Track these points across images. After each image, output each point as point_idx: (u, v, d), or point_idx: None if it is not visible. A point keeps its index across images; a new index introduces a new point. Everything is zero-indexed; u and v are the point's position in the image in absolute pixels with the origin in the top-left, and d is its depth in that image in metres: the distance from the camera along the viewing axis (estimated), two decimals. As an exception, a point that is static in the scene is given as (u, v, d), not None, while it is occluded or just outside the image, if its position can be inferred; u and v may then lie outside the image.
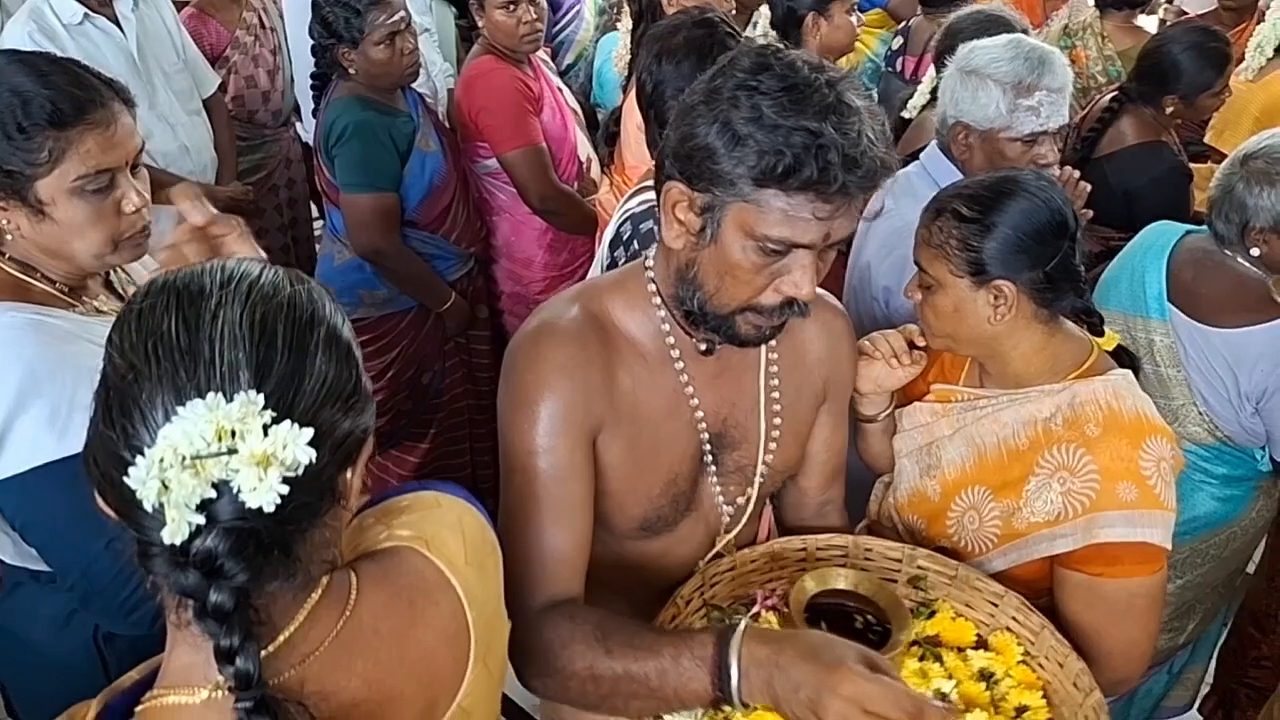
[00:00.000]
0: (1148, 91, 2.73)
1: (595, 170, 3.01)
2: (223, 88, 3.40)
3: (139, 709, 0.83)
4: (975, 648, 1.37)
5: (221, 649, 0.76)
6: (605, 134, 2.75)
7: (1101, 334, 1.51)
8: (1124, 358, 1.52)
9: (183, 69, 3.07)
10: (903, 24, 3.58)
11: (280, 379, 0.78)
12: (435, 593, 0.96)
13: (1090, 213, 2.01)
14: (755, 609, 1.41)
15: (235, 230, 1.20)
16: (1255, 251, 2.00)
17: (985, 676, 1.33)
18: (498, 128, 2.77)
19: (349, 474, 0.85)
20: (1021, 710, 1.29)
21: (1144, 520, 1.35)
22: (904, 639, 1.26)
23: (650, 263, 1.32)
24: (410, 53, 2.60)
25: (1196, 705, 2.64)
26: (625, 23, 3.09)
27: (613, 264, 2.00)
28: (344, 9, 2.51)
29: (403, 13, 2.57)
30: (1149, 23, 4.03)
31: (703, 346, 1.32)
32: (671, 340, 1.31)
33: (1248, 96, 2.98)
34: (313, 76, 2.74)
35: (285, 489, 0.75)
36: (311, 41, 2.65)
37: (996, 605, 1.39)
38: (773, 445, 1.40)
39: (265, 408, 0.76)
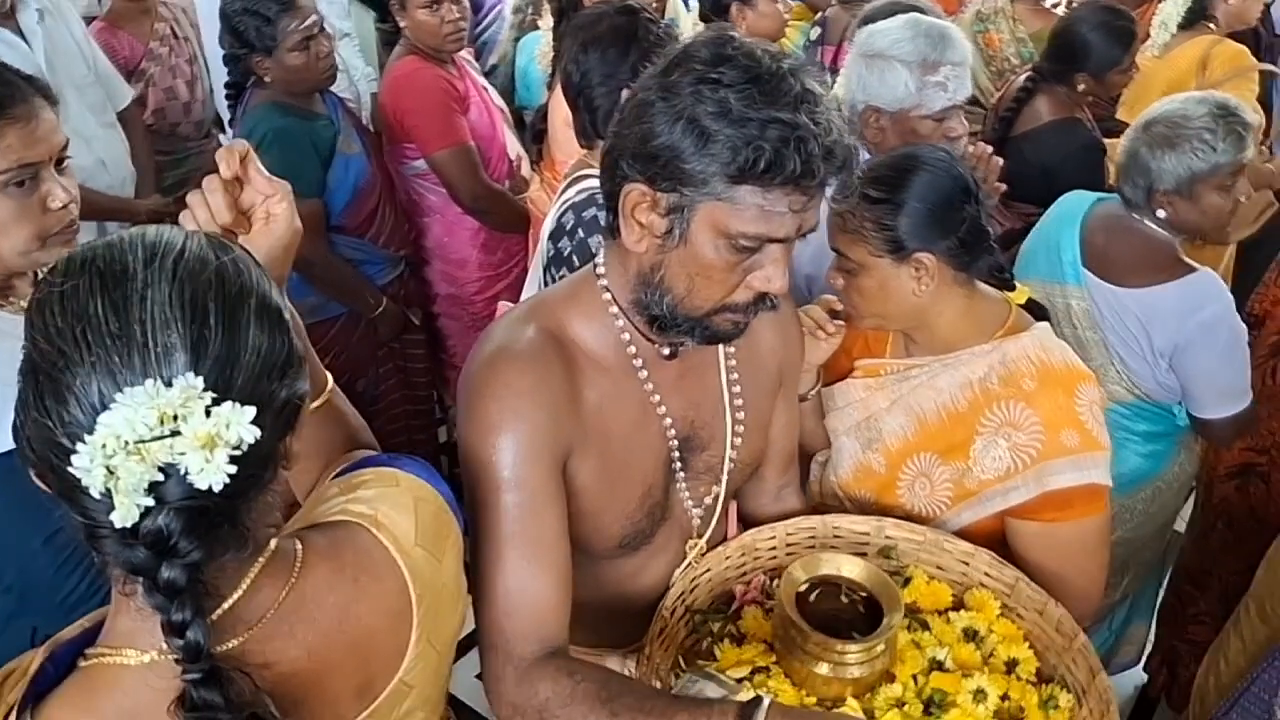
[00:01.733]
0: (1059, 70, 2.80)
1: (526, 168, 3.00)
2: (142, 102, 3.34)
3: (82, 665, 0.83)
4: (954, 609, 1.40)
5: (173, 623, 0.76)
6: (533, 131, 2.75)
7: (1014, 289, 1.56)
8: (1035, 310, 1.59)
9: (94, 82, 3.00)
10: (819, 14, 3.63)
11: (217, 358, 0.77)
12: (380, 570, 0.95)
13: (1004, 186, 2.06)
14: (735, 605, 1.43)
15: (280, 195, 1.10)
16: (1161, 214, 2.07)
17: (970, 636, 1.36)
18: (424, 128, 2.75)
19: (290, 439, 0.85)
20: (1012, 664, 1.33)
21: (1088, 463, 1.42)
22: (896, 621, 1.26)
23: (602, 270, 1.26)
24: (326, 56, 2.57)
25: (1142, 664, 2.72)
26: (546, 20, 3.09)
27: (557, 255, 2.01)
28: (254, 18, 2.47)
29: (315, 16, 2.53)
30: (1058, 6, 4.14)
31: (666, 351, 1.28)
32: (633, 349, 1.26)
33: (1154, 71, 3.08)
34: (227, 86, 2.70)
35: (233, 468, 0.75)
36: (224, 51, 2.60)
37: (968, 564, 1.43)
38: (738, 440, 1.38)
39: (205, 389, 0.75)
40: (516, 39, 3.45)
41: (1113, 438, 1.51)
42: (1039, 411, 1.44)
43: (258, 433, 0.76)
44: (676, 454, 1.34)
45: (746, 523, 1.59)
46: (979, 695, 1.26)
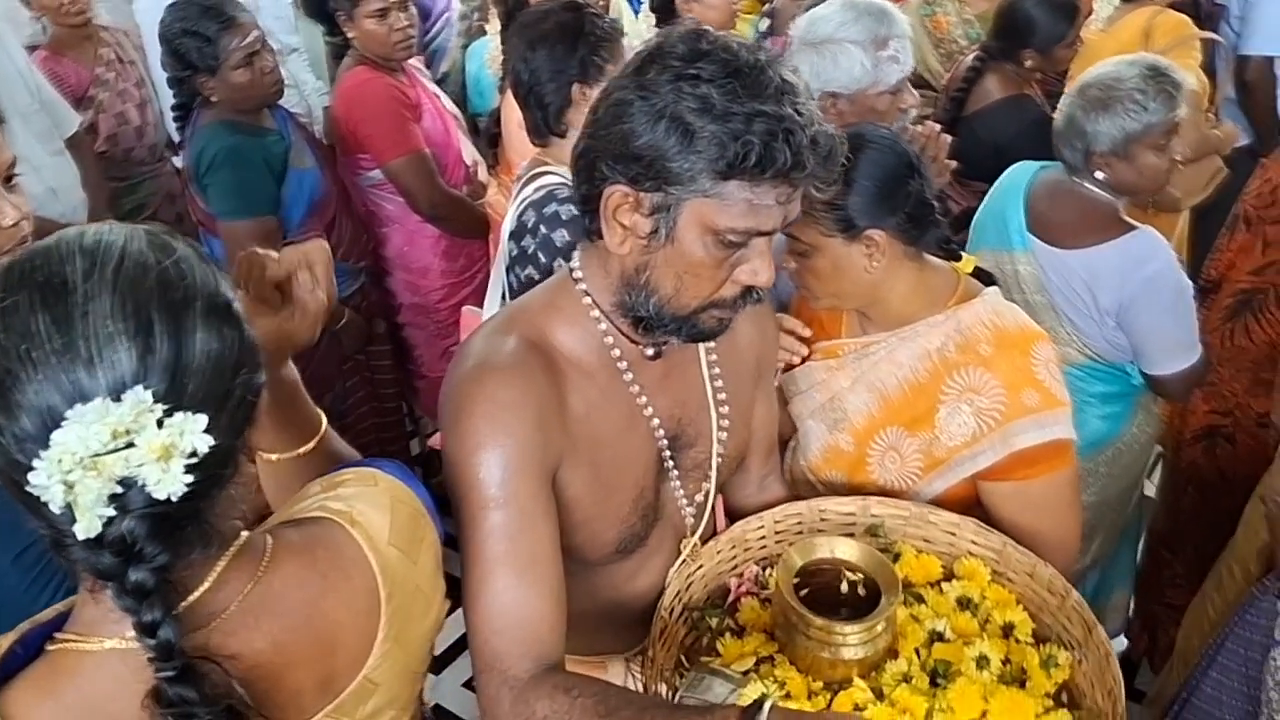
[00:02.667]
0: (1006, 48, 2.83)
1: (483, 173, 2.99)
2: (94, 129, 3.31)
3: (49, 649, 0.85)
4: (945, 580, 1.41)
5: (143, 624, 0.77)
6: (487, 136, 2.75)
7: (960, 259, 1.58)
8: (983, 278, 1.61)
9: (39, 110, 2.96)
10: (767, 6, 3.65)
11: (165, 367, 0.77)
12: (350, 568, 0.95)
13: (955, 163, 2.09)
14: (731, 598, 1.43)
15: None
16: (1100, 175, 2.11)
17: (964, 604, 1.37)
18: (378, 137, 2.74)
19: (249, 432, 0.85)
20: (1009, 628, 1.34)
21: (1050, 420, 1.45)
22: (895, 598, 1.26)
23: (579, 274, 1.24)
24: (270, 71, 2.55)
25: (1124, 631, 2.75)
26: (494, 24, 3.09)
27: (520, 253, 2.01)
28: (195, 38, 2.44)
29: (256, 32, 2.51)
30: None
31: (650, 351, 1.26)
32: (617, 352, 1.25)
33: (1099, 45, 3.11)
34: (174, 108, 2.67)
35: (190, 477, 0.75)
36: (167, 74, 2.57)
37: (954, 534, 1.45)
38: (724, 434, 1.37)
39: (156, 401, 0.75)
40: (465, 46, 3.44)
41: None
42: (998, 375, 1.46)
43: (210, 441, 0.76)
44: (667, 453, 1.33)
45: (732, 515, 1.59)
46: (982, 661, 1.28)
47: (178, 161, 3.56)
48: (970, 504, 1.54)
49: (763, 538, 1.49)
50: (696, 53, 1.06)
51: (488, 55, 3.15)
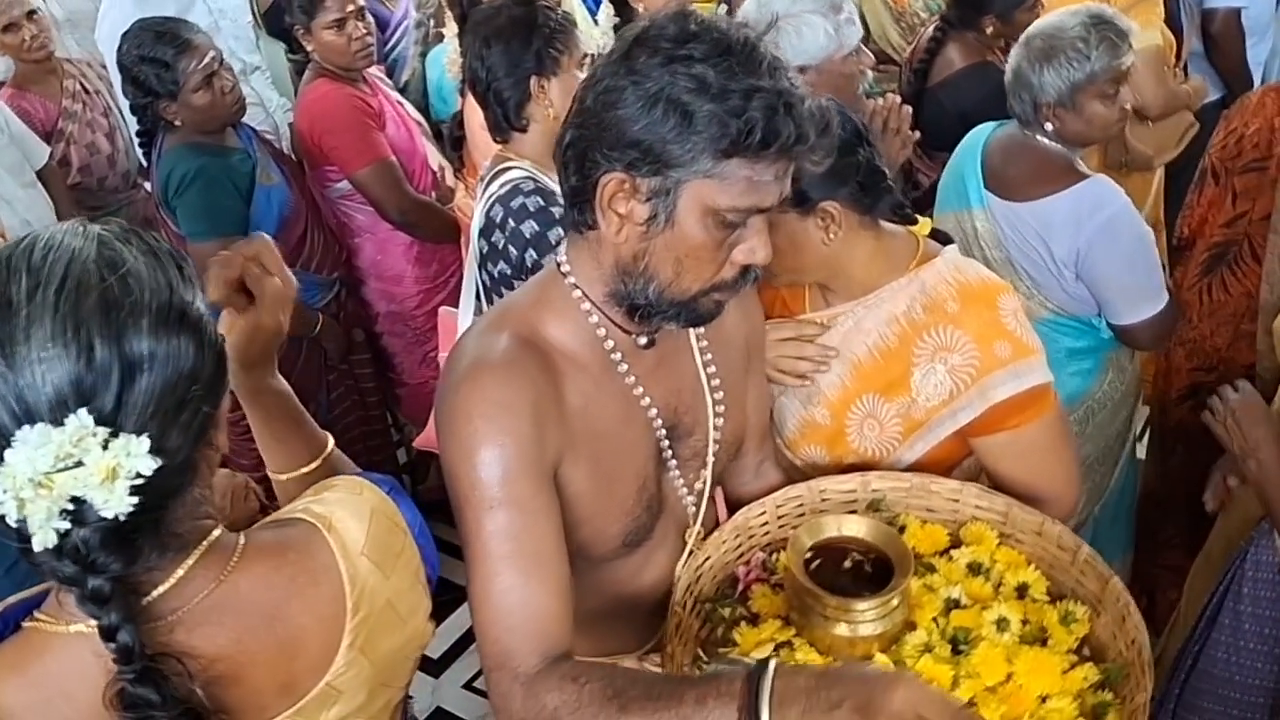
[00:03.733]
0: (966, 16, 2.83)
1: (450, 178, 2.99)
2: (66, 162, 3.33)
3: (25, 625, 0.89)
4: (952, 548, 1.40)
5: (104, 628, 0.81)
6: (451, 139, 2.75)
7: (916, 223, 1.58)
8: (940, 239, 1.60)
9: (8, 144, 3.00)
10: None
11: (107, 391, 0.78)
12: (319, 574, 0.96)
13: (917, 134, 2.09)
14: (741, 587, 1.41)
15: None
16: (1049, 127, 2.11)
17: (975, 570, 1.36)
18: (343, 148, 2.74)
19: (213, 436, 0.87)
20: (1023, 589, 1.33)
21: (1024, 368, 1.45)
22: (908, 569, 1.25)
23: (566, 268, 1.22)
24: (231, 90, 2.55)
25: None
26: (451, 28, 3.09)
27: (491, 250, 2.02)
28: (152, 65, 2.45)
29: (213, 52, 2.51)
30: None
31: (643, 340, 1.25)
32: (610, 344, 1.23)
33: (1060, 6, 3.09)
34: (138, 134, 2.68)
35: (135, 498, 0.77)
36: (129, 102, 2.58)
37: (957, 500, 1.44)
38: (720, 421, 1.36)
39: (98, 423, 0.76)
40: (424, 54, 3.44)
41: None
42: (968, 330, 1.46)
43: (153, 464, 0.78)
44: (665, 443, 1.31)
45: (731, 504, 1.58)
46: (1002, 624, 1.27)
47: (150, 186, 3.59)
48: (953, 465, 1.54)
49: (765, 524, 1.47)
50: (686, 34, 1.05)
51: (446, 60, 3.15)
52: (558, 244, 1.91)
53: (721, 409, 1.36)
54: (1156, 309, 2.11)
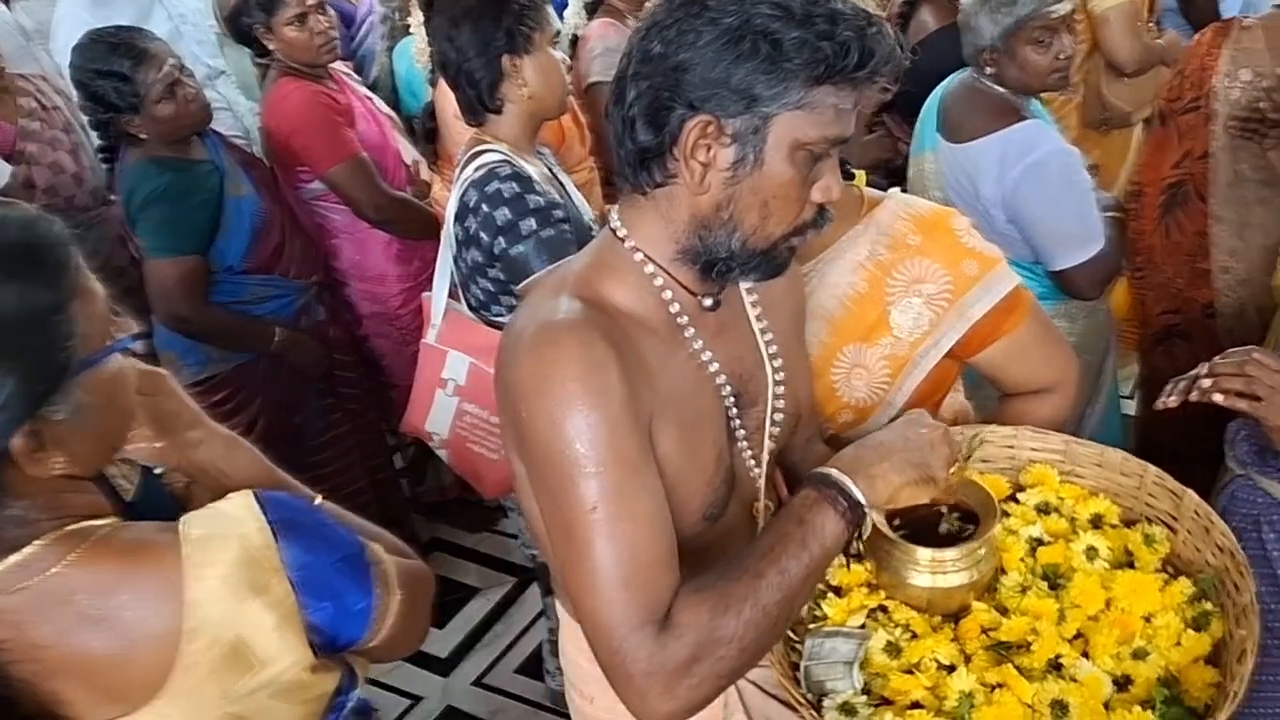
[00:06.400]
0: (937, -24, 2.82)
1: (425, 172, 2.94)
2: (30, 184, 3.18)
3: None
4: (1016, 493, 1.39)
5: None
6: (424, 131, 2.69)
7: (854, 178, 1.57)
8: (878, 186, 1.63)
9: (-36, 168, 2.89)
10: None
11: None
12: (156, 593, 0.94)
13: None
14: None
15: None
16: (990, 70, 2.17)
17: (1044, 511, 1.35)
18: (313, 147, 2.68)
19: (17, 440, 0.88)
20: (1097, 520, 1.33)
21: (994, 279, 1.48)
22: (994, 513, 1.24)
23: (623, 233, 1.17)
24: (195, 98, 2.46)
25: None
26: (416, 17, 3.04)
27: (465, 234, 1.97)
28: (110, 79, 2.35)
29: (173, 60, 2.42)
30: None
31: (709, 302, 1.20)
32: (676, 306, 1.18)
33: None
34: (99, 150, 2.60)
35: None
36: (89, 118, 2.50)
37: (1013, 446, 1.44)
38: (780, 389, 1.30)
39: None
40: (390, 48, 3.38)
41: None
42: (936, 257, 1.46)
43: None
44: (734, 411, 1.26)
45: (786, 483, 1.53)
46: (1091, 553, 1.27)
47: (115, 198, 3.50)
48: (942, 397, 1.58)
49: None
50: None
51: (414, 51, 3.10)
52: (528, 235, 1.88)
53: (781, 377, 1.31)
54: (1090, 252, 2.12)
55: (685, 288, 1.18)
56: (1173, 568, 1.28)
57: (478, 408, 2.11)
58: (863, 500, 1.10)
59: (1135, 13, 2.98)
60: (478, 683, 2.87)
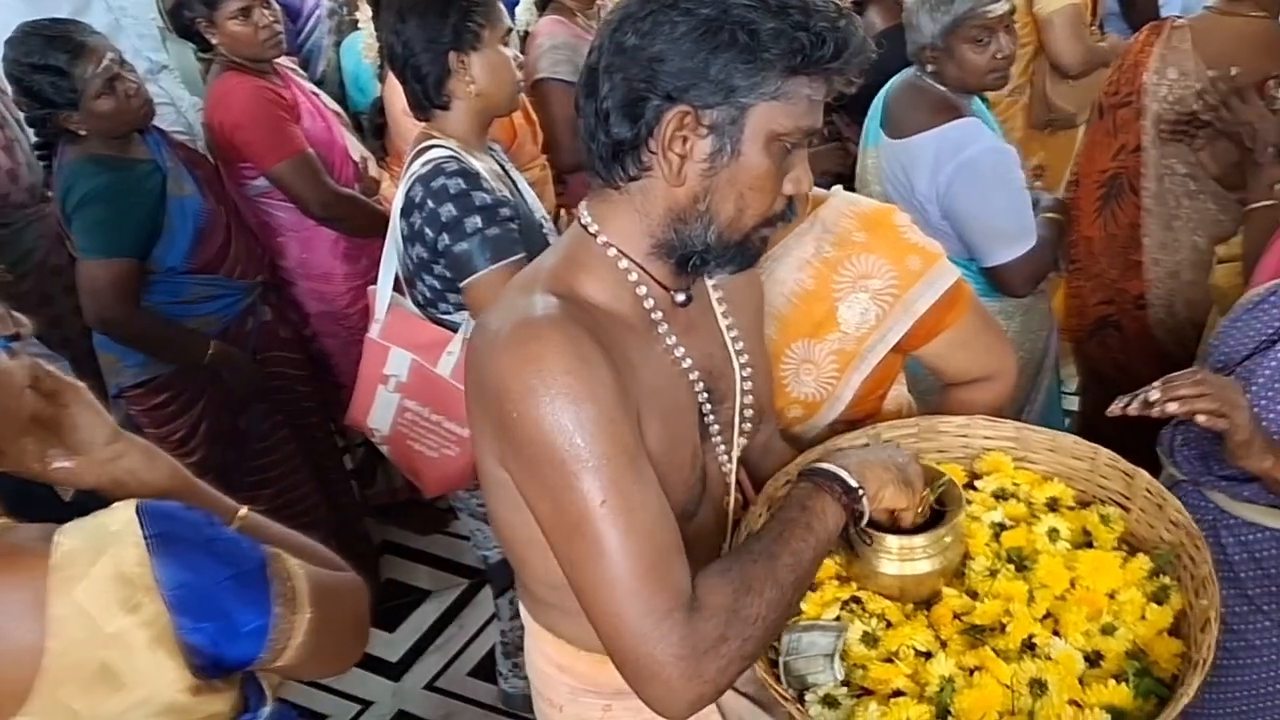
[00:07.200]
0: (884, -23, 2.85)
1: (373, 168, 2.90)
2: (-39, 183, 3.10)
3: None
4: (973, 480, 1.42)
5: None
6: (372, 127, 2.66)
7: None
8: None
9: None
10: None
11: None
12: (18, 604, 0.90)
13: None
14: None
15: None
16: (930, 68, 2.20)
17: (1001, 497, 1.38)
18: (256, 143, 2.63)
19: None
20: (1054, 503, 1.36)
21: (936, 274, 1.50)
22: (960, 498, 1.27)
23: (595, 228, 1.15)
24: (136, 93, 2.38)
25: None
26: (365, 11, 3.00)
27: (411, 229, 1.95)
28: (46, 73, 2.27)
29: (112, 54, 2.34)
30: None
31: (681, 297, 1.20)
32: (650, 303, 1.18)
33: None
34: (35, 147, 2.52)
35: None
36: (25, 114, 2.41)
37: (966, 435, 1.47)
38: (747, 385, 1.31)
39: None
40: (338, 43, 3.34)
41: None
42: (881, 254, 1.48)
43: None
44: (707, 407, 1.26)
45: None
46: (1053, 534, 1.30)
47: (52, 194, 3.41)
48: (886, 390, 1.61)
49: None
50: None
51: (362, 46, 3.06)
52: (473, 233, 1.86)
53: (748, 373, 1.31)
54: (1022, 249, 2.16)
55: (659, 283, 1.18)
56: (1129, 546, 1.31)
57: (418, 405, 2.09)
58: (856, 485, 1.16)
59: (1080, 16, 3.03)
60: (430, 686, 2.84)
